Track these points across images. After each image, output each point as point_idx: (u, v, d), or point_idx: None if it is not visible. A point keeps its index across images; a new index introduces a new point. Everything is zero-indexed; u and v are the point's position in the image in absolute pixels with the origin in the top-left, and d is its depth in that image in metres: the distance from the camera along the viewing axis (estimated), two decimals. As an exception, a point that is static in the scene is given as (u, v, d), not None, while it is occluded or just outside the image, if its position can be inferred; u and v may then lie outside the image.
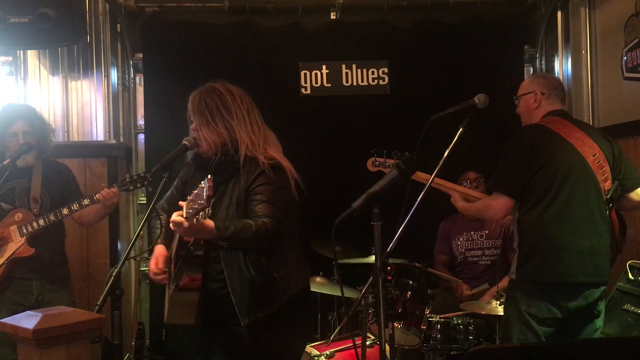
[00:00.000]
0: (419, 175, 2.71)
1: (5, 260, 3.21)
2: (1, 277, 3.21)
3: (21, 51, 4.29)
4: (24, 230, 3.22)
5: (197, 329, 2.50)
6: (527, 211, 2.80)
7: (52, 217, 3.23)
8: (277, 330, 2.38)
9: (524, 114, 3.06)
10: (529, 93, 3.02)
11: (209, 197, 1.95)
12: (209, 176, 2.01)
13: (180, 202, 2.07)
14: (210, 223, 2.10)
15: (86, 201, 3.23)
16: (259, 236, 2.22)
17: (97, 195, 3.20)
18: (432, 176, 2.34)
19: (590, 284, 2.73)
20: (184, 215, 2.03)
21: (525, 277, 2.79)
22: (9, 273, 3.23)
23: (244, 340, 2.38)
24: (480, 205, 2.95)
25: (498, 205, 2.83)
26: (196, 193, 2.00)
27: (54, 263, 3.36)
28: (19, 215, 3.25)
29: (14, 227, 3.23)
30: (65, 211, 3.22)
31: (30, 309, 2.98)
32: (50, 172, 3.38)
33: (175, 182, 2.64)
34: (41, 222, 3.22)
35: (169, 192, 2.66)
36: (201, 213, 2.01)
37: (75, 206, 3.22)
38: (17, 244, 3.22)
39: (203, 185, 1.97)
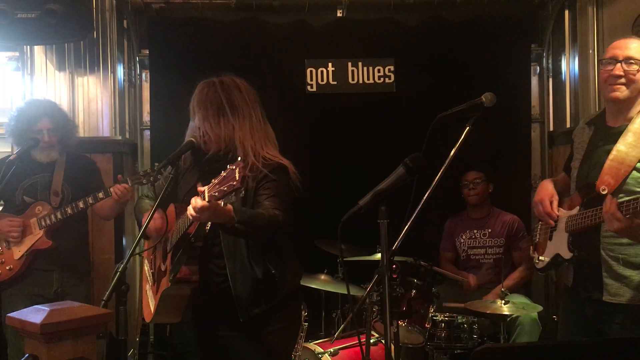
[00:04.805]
0: None
1: (25, 252, 3.29)
2: (21, 268, 3.29)
3: (28, 47, 4.30)
4: (43, 223, 3.30)
5: (190, 325, 2.52)
6: None
7: (69, 210, 3.29)
8: (271, 326, 2.38)
9: None
10: None
11: (243, 178, 1.90)
12: (239, 158, 1.98)
13: (200, 188, 2.02)
14: (228, 206, 2.09)
15: (101, 194, 3.27)
16: (272, 226, 2.23)
17: (112, 189, 3.24)
18: (439, 174, 2.33)
19: None
20: (207, 200, 1.97)
21: None
22: (30, 265, 3.31)
23: (240, 335, 2.38)
24: None
25: None
26: (223, 176, 1.93)
27: (74, 255, 3.43)
28: (39, 209, 3.33)
29: (34, 220, 3.32)
30: (81, 204, 3.28)
31: (49, 301, 3.06)
32: (73, 166, 3.45)
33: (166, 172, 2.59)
34: (59, 214, 3.29)
35: (158, 181, 2.67)
36: (232, 195, 1.95)
37: (90, 199, 3.28)
38: (35, 236, 3.30)
39: (233, 167, 1.91)
